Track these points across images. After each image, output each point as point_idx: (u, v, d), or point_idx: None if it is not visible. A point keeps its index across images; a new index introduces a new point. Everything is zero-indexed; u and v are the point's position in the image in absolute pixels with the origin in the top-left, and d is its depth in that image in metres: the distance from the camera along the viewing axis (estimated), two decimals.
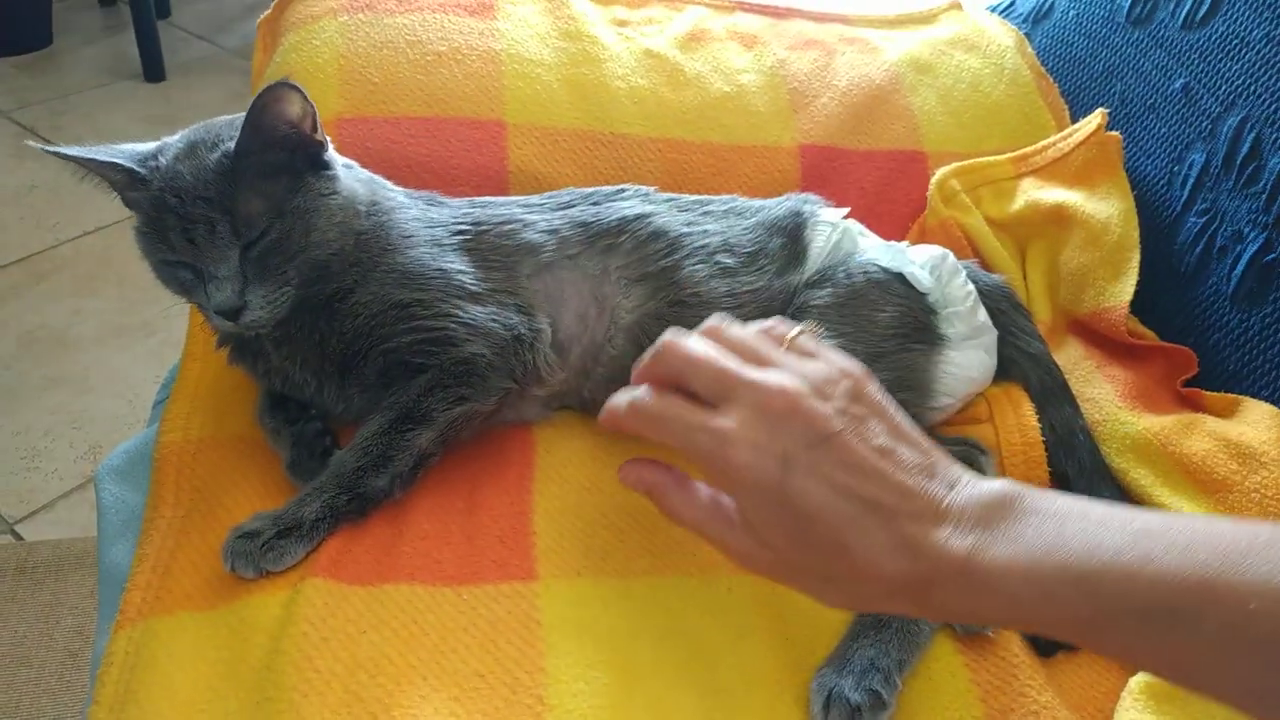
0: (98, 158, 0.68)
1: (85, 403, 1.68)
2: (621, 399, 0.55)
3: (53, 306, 1.87)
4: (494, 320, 0.72)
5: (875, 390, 0.52)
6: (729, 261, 0.78)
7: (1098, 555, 0.43)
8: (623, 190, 0.83)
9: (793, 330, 0.55)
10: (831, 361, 0.53)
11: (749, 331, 0.55)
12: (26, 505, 1.51)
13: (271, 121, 0.67)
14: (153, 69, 2.60)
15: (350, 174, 0.74)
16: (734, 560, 0.52)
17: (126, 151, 0.70)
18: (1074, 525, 0.45)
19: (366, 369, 0.72)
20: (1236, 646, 0.41)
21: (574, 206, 0.81)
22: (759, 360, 0.53)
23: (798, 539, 0.48)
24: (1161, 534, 0.43)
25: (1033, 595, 0.44)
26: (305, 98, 0.68)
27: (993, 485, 0.48)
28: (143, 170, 0.68)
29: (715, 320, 0.55)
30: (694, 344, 0.53)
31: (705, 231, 0.80)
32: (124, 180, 0.69)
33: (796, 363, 0.52)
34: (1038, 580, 0.44)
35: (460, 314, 0.71)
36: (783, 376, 0.51)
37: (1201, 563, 0.41)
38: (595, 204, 0.81)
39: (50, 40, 2.72)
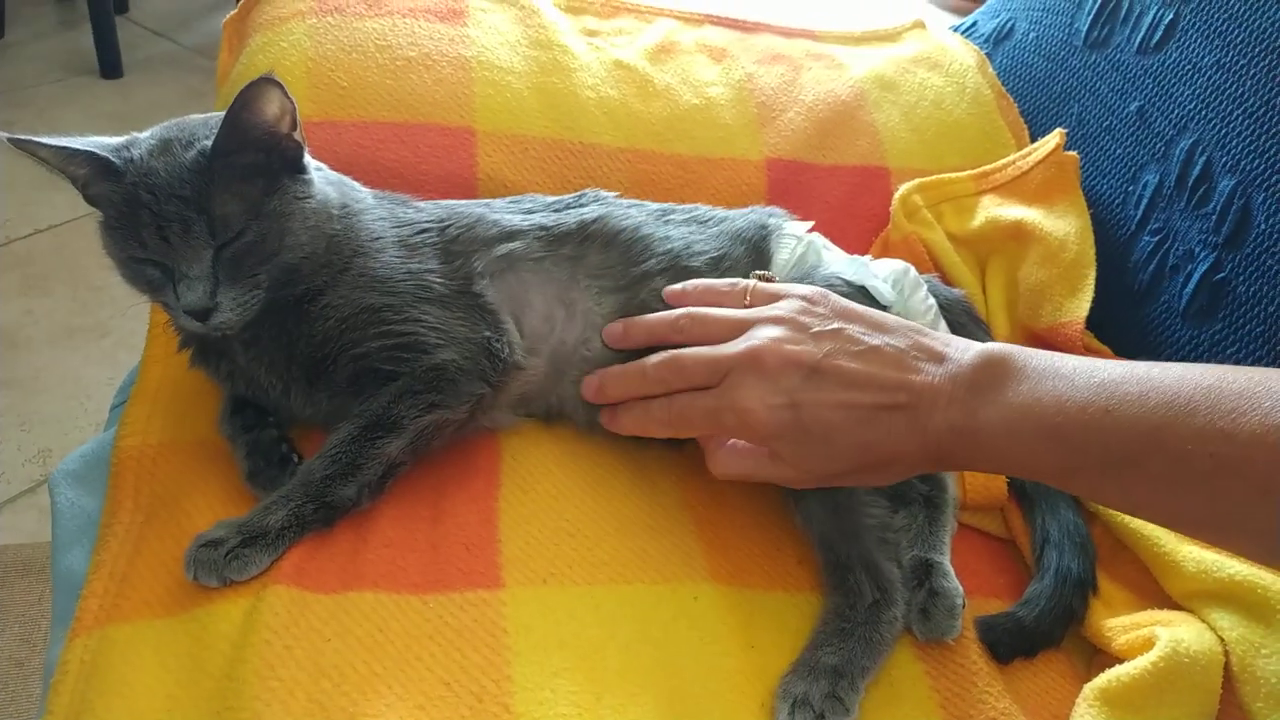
0: (71, 146, 0.66)
1: (35, 405, 1.65)
2: (636, 416, 0.68)
3: (3, 306, 1.83)
4: (462, 324, 0.71)
5: (838, 299, 0.62)
6: (693, 265, 0.79)
7: (1065, 411, 0.51)
8: (583, 195, 0.84)
9: (750, 284, 0.68)
10: (792, 293, 0.64)
11: (719, 310, 0.66)
12: None
13: (253, 119, 0.66)
14: (110, 65, 2.55)
15: (321, 176, 0.74)
16: (785, 486, 0.63)
17: (95, 142, 0.68)
18: (1048, 384, 0.52)
19: (336, 374, 0.71)
20: (1179, 484, 0.48)
21: (536, 212, 0.81)
22: (736, 328, 0.63)
23: (828, 456, 0.58)
24: (1119, 385, 0.50)
25: (1016, 450, 0.53)
26: (285, 94, 0.67)
27: (978, 349, 0.57)
28: (118, 161, 0.66)
29: (689, 286, 0.69)
30: (680, 355, 0.64)
31: (668, 237, 0.80)
32: (93, 172, 0.67)
33: (766, 311, 0.62)
34: (1018, 437, 0.52)
35: (429, 319, 0.71)
36: (762, 334, 0.61)
37: (1150, 411, 0.49)
38: (556, 210, 0.81)
39: (2, 34, 2.66)
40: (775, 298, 0.64)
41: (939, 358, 0.58)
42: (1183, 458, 0.48)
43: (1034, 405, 0.53)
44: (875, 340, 0.58)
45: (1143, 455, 0.49)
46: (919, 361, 0.57)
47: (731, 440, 0.65)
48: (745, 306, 0.67)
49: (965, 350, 0.58)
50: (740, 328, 0.63)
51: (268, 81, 0.65)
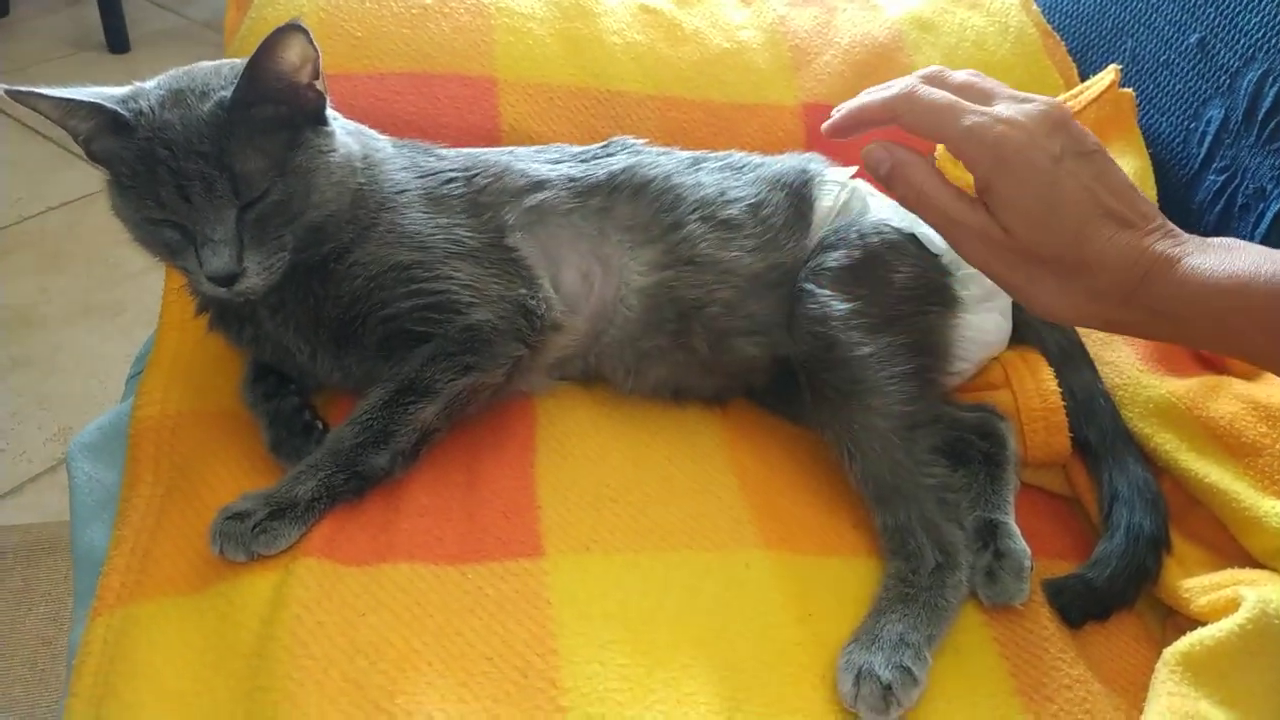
0: (74, 98, 0.61)
1: (53, 383, 1.62)
2: (886, 90, 0.61)
3: (17, 285, 1.81)
4: (496, 281, 0.68)
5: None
6: (728, 214, 0.75)
7: (1260, 267, 0.53)
8: (610, 144, 0.80)
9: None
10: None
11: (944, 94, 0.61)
12: None
13: (275, 68, 0.62)
14: (117, 40, 2.51)
15: (340, 126, 0.70)
16: (965, 239, 0.60)
17: (100, 93, 0.63)
18: (1248, 252, 0.55)
19: (365, 336, 0.67)
20: None
21: (563, 163, 0.77)
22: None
23: (1042, 222, 0.57)
24: None
25: (1222, 298, 0.53)
26: (310, 41, 0.62)
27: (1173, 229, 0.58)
28: (127, 114, 0.61)
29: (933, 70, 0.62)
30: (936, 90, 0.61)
31: (700, 184, 0.76)
32: (98, 126, 0.62)
33: (1011, 108, 0.59)
34: (1227, 286, 0.53)
35: (461, 276, 0.67)
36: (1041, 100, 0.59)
37: None
38: (583, 161, 0.77)
39: (7, 10, 2.62)
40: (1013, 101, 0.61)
41: (1165, 221, 0.59)
42: None
43: (1221, 256, 0.55)
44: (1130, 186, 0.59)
45: None
46: (1158, 214, 0.59)
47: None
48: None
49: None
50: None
51: (293, 28, 0.61)
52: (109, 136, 0.62)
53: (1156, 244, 0.56)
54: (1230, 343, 0.57)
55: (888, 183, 0.62)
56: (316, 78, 0.65)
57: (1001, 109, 0.58)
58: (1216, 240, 0.56)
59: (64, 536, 1.36)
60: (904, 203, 0.62)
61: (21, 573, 1.34)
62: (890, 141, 0.61)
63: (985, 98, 0.60)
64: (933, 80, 0.62)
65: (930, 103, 0.60)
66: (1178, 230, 0.58)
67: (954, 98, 0.60)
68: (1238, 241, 0.56)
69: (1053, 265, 0.57)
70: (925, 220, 0.62)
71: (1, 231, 1.92)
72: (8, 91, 0.60)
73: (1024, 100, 0.60)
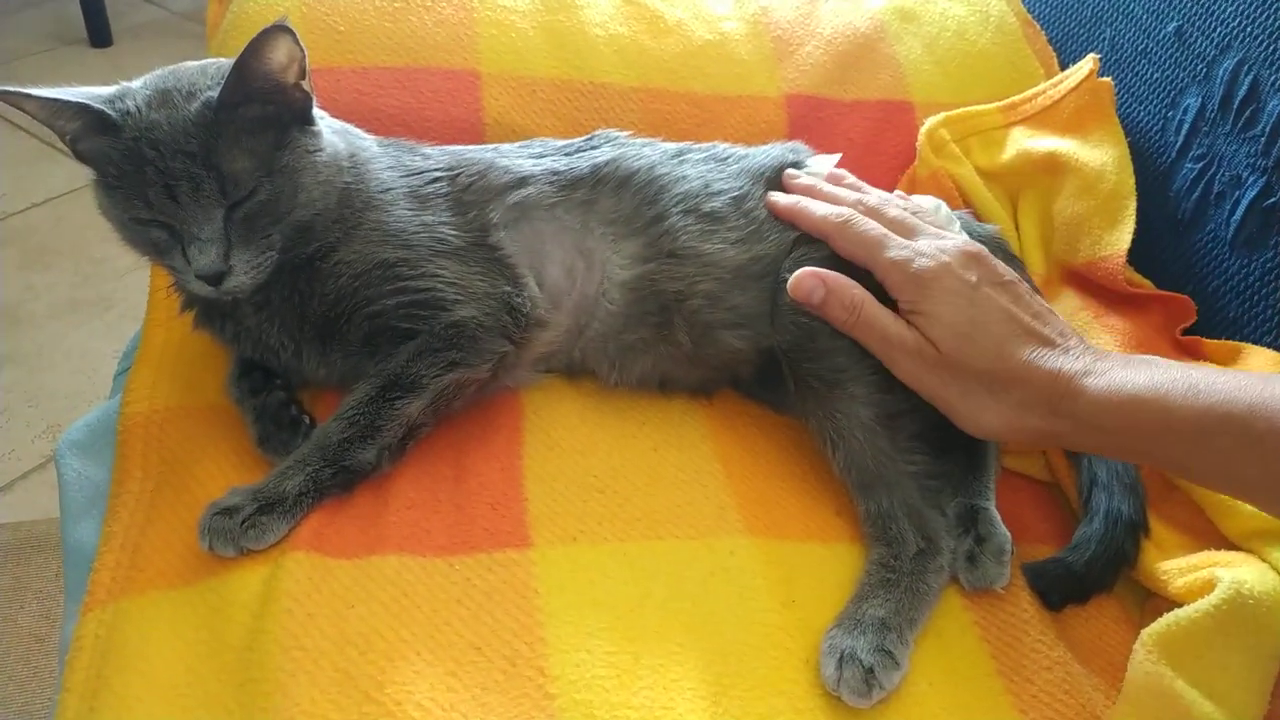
0: (61, 98, 0.61)
1: (41, 380, 1.62)
2: (826, 209, 0.71)
3: (3, 281, 1.80)
4: (481, 279, 0.68)
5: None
6: (712, 206, 0.75)
7: (1157, 381, 0.57)
8: (594, 137, 0.80)
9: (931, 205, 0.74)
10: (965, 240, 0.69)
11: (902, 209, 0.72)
12: None
13: (262, 68, 0.62)
14: (99, 33, 2.50)
15: (326, 125, 0.70)
16: (901, 357, 0.64)
17: (87, 93, 0.63)
18: (1168, 367, 0.59)
19: (350, 333, 0.68)
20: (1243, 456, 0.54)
21: (546, 156, 0.77)
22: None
23: (967, 337, 0.62)
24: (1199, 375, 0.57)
25: (1142, 409, 0.57)
26: (296, 41, 0.63)
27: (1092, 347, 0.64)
28: (114, 114, 0.62)
29: (868, 200, 0.72)
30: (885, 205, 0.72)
31: (684, 177, 0.76)
32: (85, 126, 0.62)
33: (936, 239, 0.68)
34: (1147, 397, 0.57)
35: (446, 273, 0.67)
36: (961, 237, 0.68)
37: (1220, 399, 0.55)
38: (567, 154, 0.78)
39: None
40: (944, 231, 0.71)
41: (1075, 339, 0.64)
42: (1249, 436, 0.53)
43: (1140, 370, 0.59)
44: (1044, 310, 0.66)
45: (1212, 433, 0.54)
46: (1069, 334, 0.65)
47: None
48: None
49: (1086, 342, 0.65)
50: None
51: (280, 29, 0.61)
52: (96, 136, 0.62)
53: (1079, 359, 0.61)
54: (1153, 453, 0.60)
55: (822, 310, 0.67)
56: (303, 77, 0.65)
57: (923, 244, 0.67)
58: (1138, 356, 0.61)
59: (54, 533, 1.37)
60: (842, 325, 0.67)
61: (12, 570, 1.34)
62: (822, 270, 0.67)
63: (910, 233, 0.68)
64: (870, 212, 0.70)
65: (860, 235, 0.68)
66: (1098, 348, 0.63)
67: (883, 231, 0.68)
68: (1157, 358, 0.61)
69: (983, 380, 0.62)
70: (862, 341, 0.67)
71: None
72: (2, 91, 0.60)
73: (945, 237, 0.68)
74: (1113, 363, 0.60)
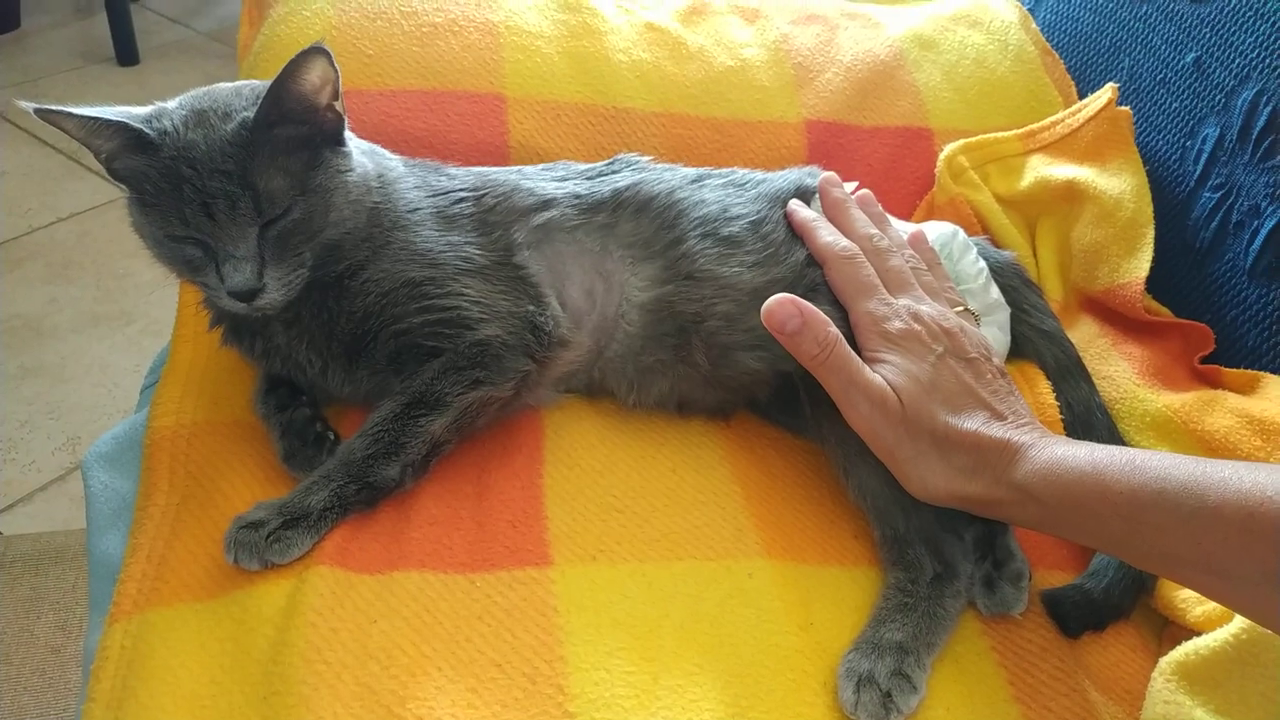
0: (101, 116, 0.62)
1: (63, 393, 1.64)
2: (834, 238, 0.74)
3: (27, 295, 1.82)
4: (505, 298, 0.69)
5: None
6: (730, 230, 0.76)
7: (1097, 469, 0.58)
8: (615, 161, 0.81)
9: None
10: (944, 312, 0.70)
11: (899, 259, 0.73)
12: (3, 499, 1.47)
13: (298, 90, 0.64)
14: (126, 53, 2.54)
15: (355, 146, 0.71)
16: (861, 404, 0.64)
17: (125, 113, 0.64)
18: (1110, 449, 0.59)
19: (376, 351, 0.69)
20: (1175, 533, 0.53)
21: (569, 180, 0.78)
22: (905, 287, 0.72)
23: (928, 392, 0.64)
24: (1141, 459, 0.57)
25: (1081, 483, 0.58)
26: (331, 63, 0.64)
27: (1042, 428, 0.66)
28: (151, 133, 0.63)
29: (878, 241, 0.74)
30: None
31: (703, 201, 0.77)
32: (122, 145, 0.63)
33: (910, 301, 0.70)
34: (1087, 470, 0.58)
35: (471, 293, 0.68)
36: (939, 306, 0.71)
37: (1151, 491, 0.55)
38: (589, 178, 0.79)
39: (18, 23, 2.65)
40: (934, 295, 0.73)
41: (1028, 416, 0.66)
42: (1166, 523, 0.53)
43: (1083, 447, 0.60)
44: (1006, 386, 0.68)
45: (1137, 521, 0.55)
46: (1024, 412, 0.67)
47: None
48: None
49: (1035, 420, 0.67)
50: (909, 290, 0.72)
51: (316, 51, 0.62)
52: (133, 155, 0.63)
53: (1028, 434, 0.62)
54: (1089, 528, 0.59)
55: (795, 340, 0.65)
56: (336, 99, 0.67)
57: (903, 304, 0.69)
58: (1083, 442, 0.62)
59: (72, 545, 1.38)
60: (809, 360, 0.66)
61: (30, 581, 1.35)
62: (803, 301, 0.66)
63: (900, 288, 0.71)
64: (874, 254, 0.73)
65: (852, 275, 0.71)
66: (1048, 431, 0.65)
67: (875, 282, 0.70)
68: (1101, 445, 0.61)
69: (936, 440, 0.63)
70: (824, 382, 0.66)
71: (12, 242, 1.94)
72: (36, 110, 0.61)
73: (927, 303, 0.70)
74: (1059, 441, 0.61)
